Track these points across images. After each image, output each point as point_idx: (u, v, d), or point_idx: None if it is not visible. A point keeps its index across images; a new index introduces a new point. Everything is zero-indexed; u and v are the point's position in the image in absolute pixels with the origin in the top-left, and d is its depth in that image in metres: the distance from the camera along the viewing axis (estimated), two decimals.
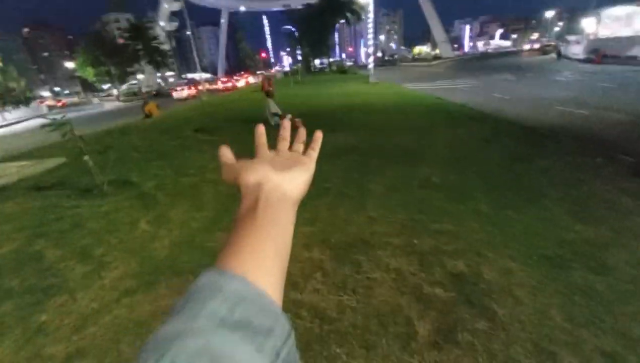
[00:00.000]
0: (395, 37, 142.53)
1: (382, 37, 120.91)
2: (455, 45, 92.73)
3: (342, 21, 44.15)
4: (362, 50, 79.27)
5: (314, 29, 41.76)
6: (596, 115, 7.64)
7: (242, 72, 53.18)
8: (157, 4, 58.15)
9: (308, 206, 3.69)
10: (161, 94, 36.05)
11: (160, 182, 5.07)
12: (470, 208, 3.45)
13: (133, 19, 43.13)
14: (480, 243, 2.81)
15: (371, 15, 24.77)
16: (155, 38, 41.63)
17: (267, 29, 57.75)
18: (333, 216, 3.50)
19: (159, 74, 53.23)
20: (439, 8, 65.70)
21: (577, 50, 27.77)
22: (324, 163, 5.33)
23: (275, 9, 76.79)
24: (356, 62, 79.27)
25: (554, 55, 36.14)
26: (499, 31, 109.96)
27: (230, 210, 3.81)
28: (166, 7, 56.79)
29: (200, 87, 26.75)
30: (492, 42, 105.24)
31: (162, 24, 53.90)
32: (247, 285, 0.22)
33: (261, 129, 0.43)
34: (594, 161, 4.73)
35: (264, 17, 59.54)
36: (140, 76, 45.90)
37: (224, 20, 78.52)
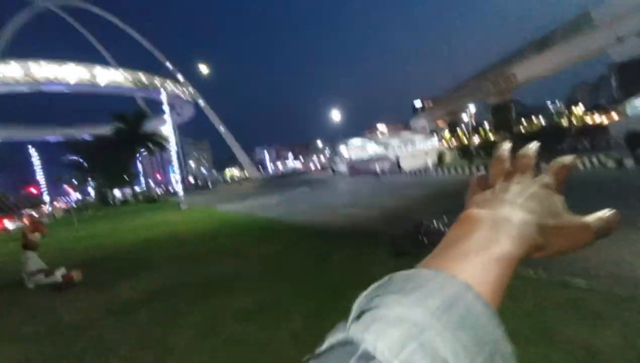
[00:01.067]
0: (205, 162, 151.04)
1: (192, 163, 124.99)
2: (260, 167, 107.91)
3: (144, 150, 42.93)
4: (172, 177, 78.14)
5: (110, 159, 37.95)
6: (365, 213, 10.16)
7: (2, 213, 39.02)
8: None
9: None
10: None
11: None
12: (287, 334, 3.28)
13: None
14: None
15: (174, 146, 25.45)
16: None
17: (37, 161, 46.93)
18: None
19: None
20: (241, 136, 77.21)
21: (342, 167, 38.29)
22: (111, 322, 4.01)
23: (51, 139, 65.84)
24: (167, 189, 76.20)
25: (330, 171, 48.24)
26: (290, 153, 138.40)
27: None
28: None
29: None
30: (287, 163, 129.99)
31: None
32: (465, 286, 0.20)
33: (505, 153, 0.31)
34: (369, 250, 5.94)
35: (30, 148, 48.64)
36: None
37: None
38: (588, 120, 47.39)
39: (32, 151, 49.10)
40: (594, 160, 13.89)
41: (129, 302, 4.78)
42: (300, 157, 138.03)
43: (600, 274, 3.52)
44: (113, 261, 8.01)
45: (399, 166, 21.23)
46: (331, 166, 49.02)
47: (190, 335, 3.49)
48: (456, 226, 0.29)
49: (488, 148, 26.47)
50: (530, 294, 3.21)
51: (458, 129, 56.89)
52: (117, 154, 38.00)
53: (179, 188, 25.63)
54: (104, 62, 61.89)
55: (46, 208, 43.41)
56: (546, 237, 0.26)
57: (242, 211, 15.63)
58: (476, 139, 37.39)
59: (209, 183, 77.67)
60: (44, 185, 50.82)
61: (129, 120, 38.46)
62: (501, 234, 0.25)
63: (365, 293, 0.22)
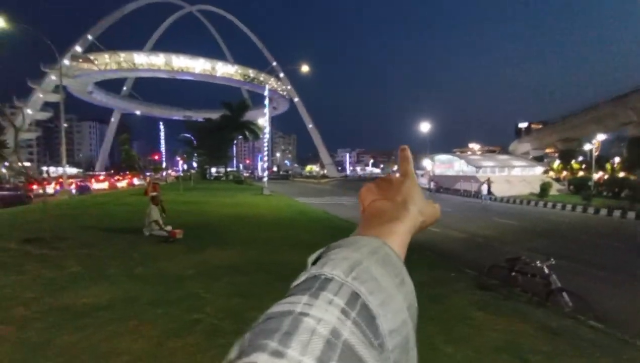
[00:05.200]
0: (290, 155, 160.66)
1: (278, 154, 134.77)
2: (339, 168, 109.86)
3: (240, 137, 47.84)
4: (259, 164, 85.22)
5: (213, 140, 43.48)
6: (444, 233, 9.42)
7: (127, 173, 48.54)
8: (29, 91, 52.11)
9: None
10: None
11: None
12: None
13: None
14: None
15: (267, 136, 27.69)
16: None
17: (162, 134, 57.68)
18: None
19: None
20: (326, 137, 79.82)
21: (423, 181, 36.35)
22: (200, 281, 4.57)
23: (175, 118, 78.68)
24: (253, 173, 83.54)
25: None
26: (371, 160, 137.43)
27: None
28: (41, 97, 51.29)
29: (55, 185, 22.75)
30: (367, 168, 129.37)
31: (29, 111, 47.33)
32: (382, 243, 0.29)
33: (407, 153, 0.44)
34: (449, 275, 5.46)
35: (161, 123, 60.14)
36: None
37: (114, 120, 74.95)
38: None
39: (161, 126, 59.93)
40: None
41: (215, 269, 5.38)
42: (381, 164, 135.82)
43: None
44: (206, 228, 9.12)
45: (489, 190, 19.10)
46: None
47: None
48: (367, 212, 0.39)
49: (614, 186, 21.73)
50: None
51: (573, 160, 48.26)
52: (220, 136, 43.36)
53: (265, 174, 27.81)
54: (222, 58, 71.29)
55: (163, 173, 52.38)
56: (423, 216, 0.39)
57: (317, 206, 16.12)
58: (597, 174, 31.07)
59: (289, 175, 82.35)
60: (164, 155, 61.35)
61: (234, 109, 43.51)
62: (400, 215, 0.37)
63: (313, 255, 0.29)
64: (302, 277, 0.25)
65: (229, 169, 57.10)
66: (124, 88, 71.68)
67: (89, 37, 55.30)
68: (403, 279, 0.27)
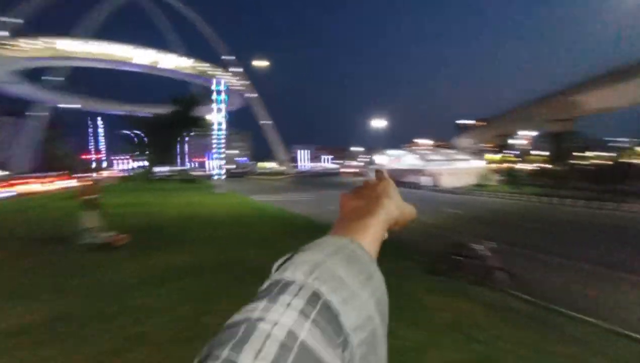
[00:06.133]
0: (245, 152, 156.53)
1: (232, 151, 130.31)
2: (295, 164, 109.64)
3: (192, 133, 45.31)
4: (212, 162, 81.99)
5: (161, 137, 40.58)
6: None
7: (60, 173, 43.41)
8: None
9: None
10: None
11: None
12: None
13: None
14: None
15: (221, 132, 26.56)
16: None
17: (101, 130, 52.34)
18: None
19: None
20: (282, 133, 79.10)
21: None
22: (145, 291, 4.21)
23: (116, 113, 71.97)
24: (205, 172, 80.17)
25: (364, 177, 47.75)
26: (327, 156, 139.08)
27: None
28: None
29: None
30: (323, 164, 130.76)
31: None
32: (349, 241, 0.30)
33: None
34: (405, 264, 5.71)
35: (99, 119, 54.48)
36: None
37: (41, 114, 66.39)
38: None
39: (99, 122, 54.48)
40: None
41: (164, 274, 5.00)
42: (337, 160, 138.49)
43: None
44: (154, 231, 8.48)
45: (436, 182, 20.43)
46: (367, 173, 48.55)
47: (223, 320, 3.55)
48: (344, 208, 0.40)
49: (540, 176, 24.56)
50: None
51: (508, 153, 53.63)
52: (167, 133, 40.59)
53: (217, 173, 26.72)
54: (171, 49, 66.67)
55: (103, 173, 47.71)
56: (399, 212, 0.40)
57: (273, 203, 15.90)
58: (527, 166, 34.86)
59: (245, 173, 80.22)
60: (104, 153, 55.96)
61: (184, 103, 40.94)
62: (376, 208, 0.38)
63: (280, 259, 0.28)
64: (265, 284, 0.25)
65: (179, 168, 53.94)
66: (54, 78, 63.71)
67: (14, 20, 48.16)
68: (371, 275, 0.28)
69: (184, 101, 40.40)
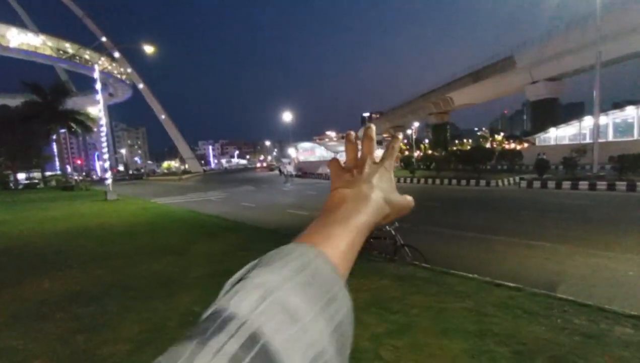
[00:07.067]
0: (140, 151, 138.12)
1: (123, 151, 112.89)
2: (203, 162, 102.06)
3: (64, 130, 37.11)
4: (98, 164, 69.64)
5: (15, 135, 31.92)
6: (312, 215, 10.14)
7: None
8: None
9: None
10: None
11: None
12: None
13: None
14: None
15: (104, 128, 22.54)
16: None
17: None
18: None
19: None
20: (184, 129, 71.86)
21: (290, 168, 38.18)
22: (16, 330, 3.28)
23: None
24: (89, 176, 67.59)
25: (277, 171, 47.68)
26: (237, 152, 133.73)
27: None
28: None
29: None
30: (233, 160, 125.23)
31: None
32: (315, 255, 0.26)
33: (372, 132, 0.41)
34: None
35: None
36: None
37: None
38: (506, 146, 54.87)
39: None
40: (512, 179, 17.24)
41: (40, 307, 4.01)
42: (247, 155, 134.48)
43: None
44: (22, 253, 6.71)
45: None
46: (279, 166, 48.51)
47: (125, 350, 3.00)
48: (328, 202, 0.36)
49: (427, 161, 28.72)
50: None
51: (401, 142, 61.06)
52: (27, 130, 32.20)
53: (106, 176, 22.80)
54: (21, 24, 52.84)
55: None
56: (391, 207, 0.36)
57: (181, 206, 14.52)
58: (417, 153, 40.33)
59: (144, 174, 70.92)
60: None
61: (46, 93, 32.73)
62: (361, 207, 0.33)
63: (238, 273, 0.25)
64: (209, 311, 0.22)
65: (49, 173, 44.09)
66: None
67: None
68: (334, 296, 0.25)
69: (45, 89, 32.23)
